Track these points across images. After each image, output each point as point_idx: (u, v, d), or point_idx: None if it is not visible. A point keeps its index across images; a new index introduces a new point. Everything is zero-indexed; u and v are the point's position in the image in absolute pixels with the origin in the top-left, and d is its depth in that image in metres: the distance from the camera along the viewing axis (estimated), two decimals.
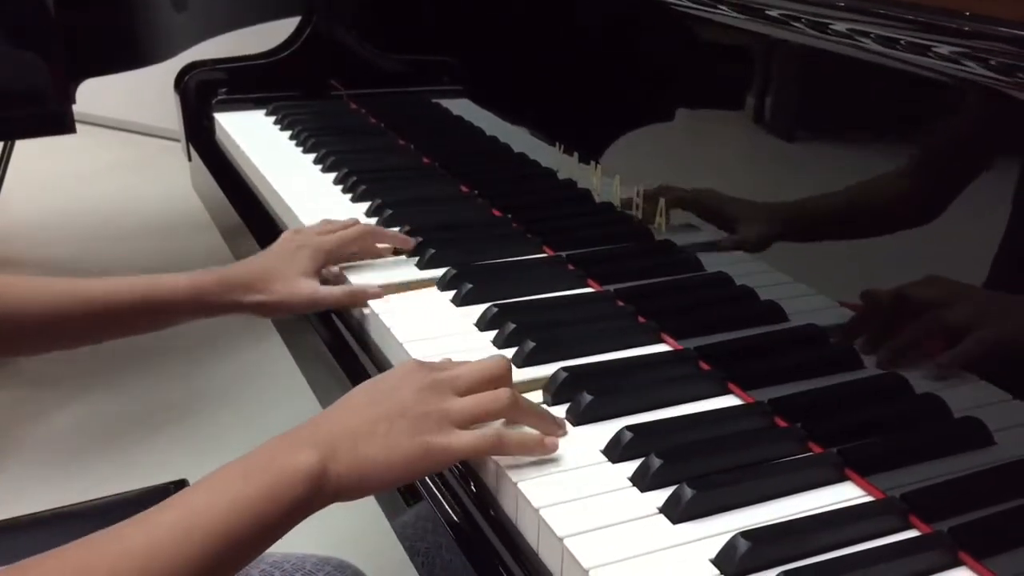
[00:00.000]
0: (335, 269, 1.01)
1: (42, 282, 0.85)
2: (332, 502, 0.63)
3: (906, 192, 0.70)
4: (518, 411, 0.70)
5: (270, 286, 0.92)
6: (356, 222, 1.05)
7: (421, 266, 1.02)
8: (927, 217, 0.68)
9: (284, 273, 0.93)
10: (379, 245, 1.05)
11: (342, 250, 1.00)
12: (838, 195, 0.76)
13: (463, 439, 0.66)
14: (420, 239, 1.06)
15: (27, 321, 0.84)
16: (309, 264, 0.95)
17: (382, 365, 0.89)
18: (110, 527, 0.56)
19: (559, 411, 0.76)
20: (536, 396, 0.78)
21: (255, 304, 0.92)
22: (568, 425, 0.74)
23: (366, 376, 0.90)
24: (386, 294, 0.95)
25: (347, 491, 0.62)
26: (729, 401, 0.78)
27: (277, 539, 0.60)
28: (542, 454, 0.69)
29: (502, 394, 0.69)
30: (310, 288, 0.94)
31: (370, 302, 0.94)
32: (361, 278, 0.99)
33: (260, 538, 0.59)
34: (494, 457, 0.70)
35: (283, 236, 1.00)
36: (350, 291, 0.96)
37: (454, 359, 0.81)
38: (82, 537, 0.55)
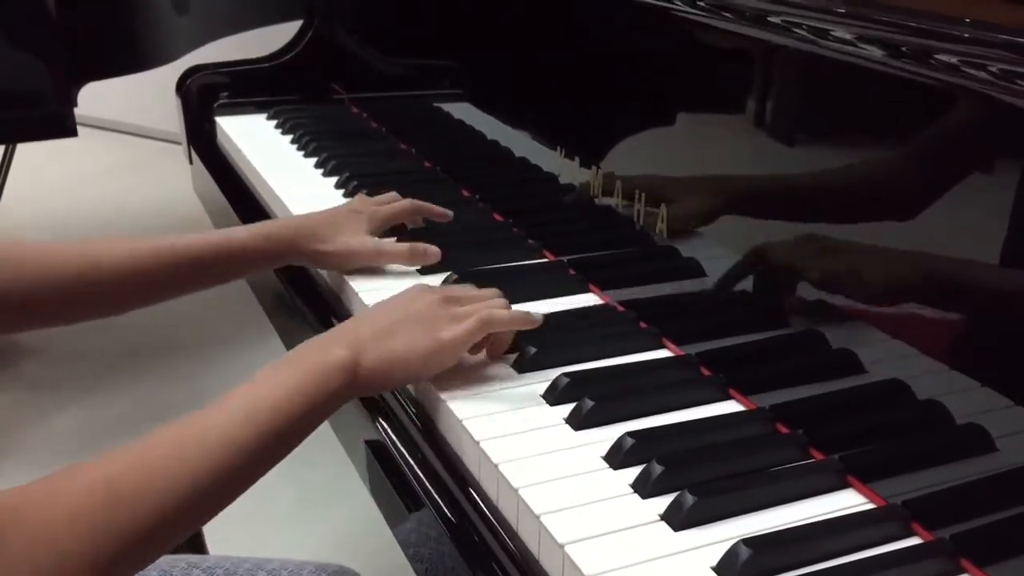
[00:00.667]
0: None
1: (120, 242, 0.89)
2: (364, 392, 0.77)
3: (905, 197, 0.69)
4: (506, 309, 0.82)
5: (335, 237, 1.00)
6: (397, 197, 1.11)
7: (422, 272, 1.02)
8: (926, 223, 0.67)
9: (347, 228, 1.02)
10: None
11: (394, 220, 1.08)
12: (840, 200, 0.75)
13: (462, 326, 0.78)
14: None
15: (106, 279, 0.87)
16: (367, 226, 1.03)
17: None
18: (187, 416, 0.65)
19: (560, 415, 0.76)
20: (538, 402, 0.78)
21: (320, 252, 1.00)
22: (569, 430, 0.74)
23: None
24: None
25: (376, 381, 0.75)
26: (730, 407, 0.78)
27: (320, 422, 0.72)
28: (531, 325, 0.83)
29: (492, 297, 0.84)
30: (373, 242, 1.02)
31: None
32: (368, 292, 0.99)
33: (308, 420, 0.69)
34: (495, 462, 0.70)
35: (336, 206, 1.07)
36: (412, 247, 1.02)
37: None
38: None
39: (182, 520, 0.61)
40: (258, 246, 0.96)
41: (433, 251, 1.02)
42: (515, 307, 0.86)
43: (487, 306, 0.81)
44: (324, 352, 0.72)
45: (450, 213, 1.12)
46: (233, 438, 0.64)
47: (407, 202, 1.10)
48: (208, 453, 0.62)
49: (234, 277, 0.97)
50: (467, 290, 0.86)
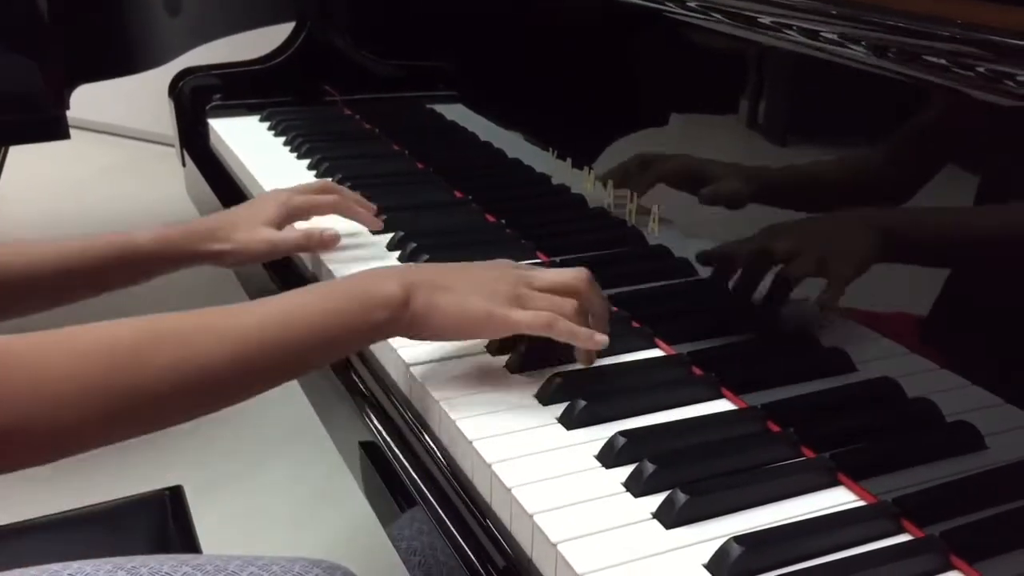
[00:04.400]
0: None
1: (12, 246, 0.89)
2: (402, 333, 0.76)
3: (894, 194, 0.70)
4: (578, 317, 0.77)
5: (231, 235, 0.97)
6: (330, 186, 1.09)
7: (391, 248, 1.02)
8: (915, 221, 0.68)
9: (246, 222, 0.98)
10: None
11: (310, 212, 1.04)
12: (829, 197, 0.76)
13: (521, 314, 0.75)
14: (398, 231, 1.08)
15: (13, 282, 0.87)
16: (273, 214, 0.99)
17: (376, 371, 0.89)
18: (223, 307, 0.68)
19: (553, 414, 0.76)
20: (531, 402, 0.78)
21: (216, 252, 0.96)
22: (562, 430, 0.75)
23: (359, 379, 0.90)
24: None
25: (415, 327, 0.75)
26: (722, 406, 0.79)
27: (352, 351, 0.80)
28: (590, 347, 0.78)
29: (567, 303, 0.77)
30: (268, 234, 0.98)
31: None
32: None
33: (342, 344, 0.74)
34: (488, 461, 0.70)
35: (252, 199, 1.06)
36: (306, 233, 1.00)
37: (446, 362, 0.82)
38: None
39: (190, 395, 0.65)
40: (155, 248, 0.94)
41: (330, 235, 1.01)
42: None
43: (556, 309, 0.76)
44: (375, 284, 0.73)
45: (380, 224, 1.09)
46: (258, 335, 0.66)
47: (328, 197, 1.06)
48: (227, 341, 0.65)
49: (140, 280, 0.95)
50: (553, 278, 0.79)
